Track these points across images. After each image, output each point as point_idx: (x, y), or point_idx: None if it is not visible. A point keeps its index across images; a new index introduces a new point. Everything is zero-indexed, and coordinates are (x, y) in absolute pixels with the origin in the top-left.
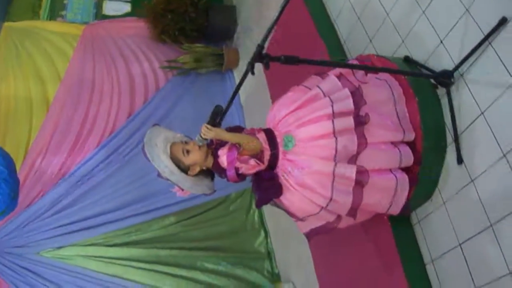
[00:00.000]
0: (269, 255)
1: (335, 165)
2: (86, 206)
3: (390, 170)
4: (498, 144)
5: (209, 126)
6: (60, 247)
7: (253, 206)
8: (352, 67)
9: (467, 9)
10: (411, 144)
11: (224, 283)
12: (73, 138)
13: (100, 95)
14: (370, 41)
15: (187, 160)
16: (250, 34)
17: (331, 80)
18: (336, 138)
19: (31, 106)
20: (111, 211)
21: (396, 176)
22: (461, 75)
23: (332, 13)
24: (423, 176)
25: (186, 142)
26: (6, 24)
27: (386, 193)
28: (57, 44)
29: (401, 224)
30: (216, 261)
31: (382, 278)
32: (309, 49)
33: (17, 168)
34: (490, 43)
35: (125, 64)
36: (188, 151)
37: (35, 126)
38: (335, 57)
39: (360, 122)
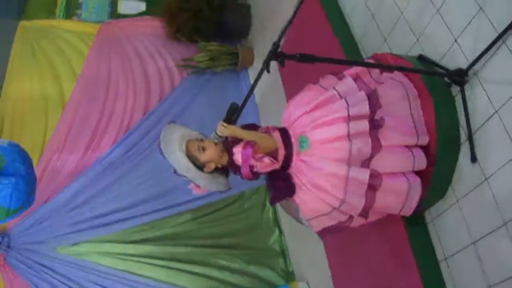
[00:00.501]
0: (283, 253)
1: (349, 168)
2: (101, 203)
3: (403, 173)
4: None
5: (225, 124)
6: (75, 244)
7: (268, 204)
8: (367, 65)
9: (481, 8)
10: (425, 147)
11: (238, 280)
12: (89, 135)
13: (115, 94)
14: (385, 40)
15: (203, 157)
16: (265, 33)
17: (347, 82)
18: (351, 141)
19: (46, 104)
20: (127, 208)
21: (409, 180)
22: (475, 73)
23: (346, 12)
24: (436, 177)
25: (201, 140)
26: (22, 23)
27: (399, 196)
28: (73, 43)
29: (414, 223)
30: (230, 258)
31: (396, 276)
32: (323, 48)
33: (34, 165)
34: (504, 42)
35: (140, 63)
36: (203, 148)
37: (51, 124)
38: (349, 56)
39: (375, 125)
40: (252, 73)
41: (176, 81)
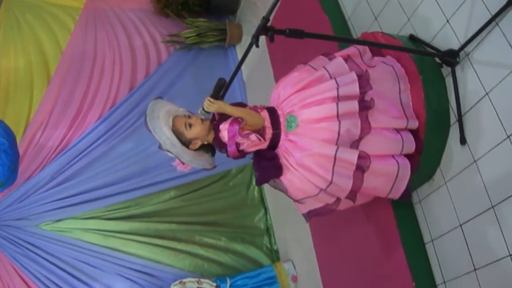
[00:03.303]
0: (268, 231)
1: (337, 148)
2: (85, 179)
3: (392, 155)
4: (503, 126)
5: (211, 99)
6: (59, 220)
7: (254, 182)
8: (357, 42)
9: None
10: (414, 132)
11: (222, 258)
12: (74, 111)
13: (101, 69)
14: (375, 18)
15: (189, 133)
16: (254, 10)
17: (338, 62)
18: (340, 122)
19: (31, 79)
20: (111, 184)
21: (397, 162)
22: (467, 55)
23: None
24: (425, 159)
25: (188, 116)
26: None
27: (387, 178)
28: (59, 17)
29: (401, 203)
30: (215, 236)
31: (381, 256)
32: (312, 25)
33: (18, 141)
34: (497, 24)
35: (127, 38)
36: (190, 125)
37: (36, 99)
38: (339, 33)
39: (365, 106)
40: (240, 50)
41: (162, 57)
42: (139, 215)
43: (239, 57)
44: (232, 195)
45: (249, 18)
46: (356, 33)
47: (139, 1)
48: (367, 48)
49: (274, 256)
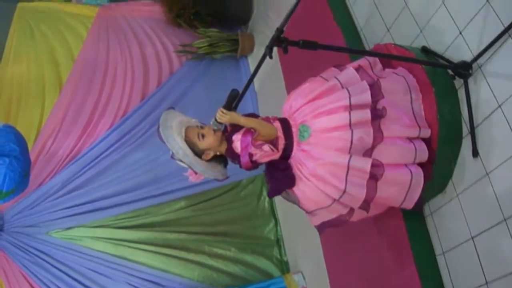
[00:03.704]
0: (278, 242)
1: (350, 157)
2: (96, 188)
3: (405, 164)
4: None
5: (224, 110)
6: (69, 228)
7: (264, 193)
8: (370, 54)
9: (487, 0)
10: (426, 141)
11: (232, 269)
12: (85, 119)
13: (113, 78)
14: (388, 30)
15: (202, 144)
16: (266, 20)
17: (349, 72)
18: (352, 130)
19: (43, 87)
20: (121, 193)
21: (411, 171)
22: (480, 67)
23: (349, 0)
24: (438, 170)
25: (201, 127)
26: (20, 4)
27: (401, 187)
28: (72, 25)
29: (413, 215)
30: (224, 246)
31: (392, 268)
32: (325, 37)
33: (29, 148)
34: (510, 36)
35: (139, 47)
36: (203, 135)
37: (48, 107)
38: (352, 45)
39: (377, 115)
40: (252, 61)
41: (174, 66)
42: (149, 224)
43: (251, 67)
44: (242, 206)
45: (262, 28)
46: (368, 44)
47: (151, 10)
48: (377, 60)
49: (284, 267)
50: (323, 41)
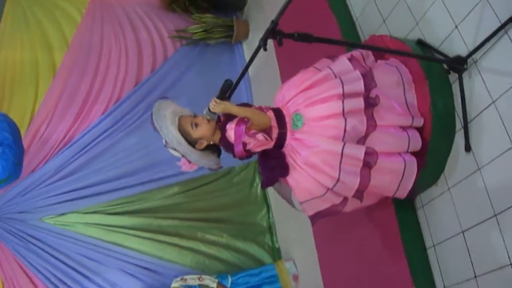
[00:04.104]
0: (270, 229)
1: (344, 145)
2: (89, 173)
3: (399, 153)
4: (508, 135)
5: (218, 100)
6: (62, 214)
7: (257, 179)
8: (366, 47)
9: None
10: (420, 132)
11: (224, 255)
12: (79, 105)
13: (107, 62)
14: (384, 21)
15: (195, 133)
16: (261, 6)
17: (342, 61)
18: (346, 119)
19: (37, 72)
20: (114, 179)
21: (404, 159)
22: (475, 62)
23: None
24: (431, 160)
25: (194, 116)
26: None
27: (394, 175)
28: (66, 9)
29: (404, 207)
30: (217, 232)
31: (383, 259)
32: (320, 26)
33: (22, 134)
34: (506, 32)
35: (134, 32)
36: (196, 124)
37: (41, 92)
38: (346, 35)
39: (370, 103)
40: (246, 46)
41: (169, 52)
42: (142, 210)
43: (246, 53)
44: (235, 192)
45: (257, 15)
46: (364, 35)
47: None
48: (370, 52)
49: (276, 254)
50: (318, 30)
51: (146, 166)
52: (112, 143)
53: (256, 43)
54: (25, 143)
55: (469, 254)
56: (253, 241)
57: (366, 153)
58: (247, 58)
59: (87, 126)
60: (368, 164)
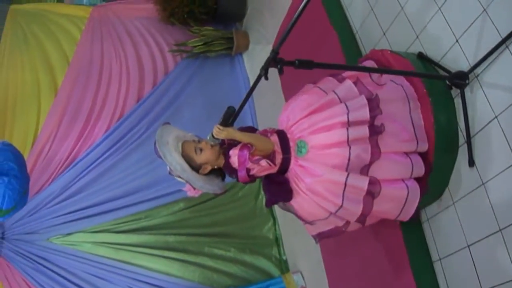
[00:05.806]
0: (277, 241)
1: (348, 175)
2: (95, 192)
3: (402, 179)
4: (511, 149)
5: (221, 127)
6: (69, 234)
7: (262, 192)
8: (367, 70)
9: (484, 9)
10: (423, 153)
11: (232, 269)
12: (82, 123)
13: (108, 79)
14: (384, 34)
15: (199, 158)
16: (260, 18)
17: (348, 85)
18: (350, 147)
19: (39, 91)
20: (120, 197)
21: (407, 185)
22: (476, 76)
23: (345, 3)
24: (434, 181)
25: (198, 141)
26: (13, 6)
27: (397, 202)
28: (65, 27)
29: (410, 221)
30: (224, 247)
31: (389, 274)
32: (321, 40)
33: (26, 155)
34: (507, 46)
35: (134, 47)
36: (200, 150)
37: (44, 112)
38: (347, 49)
39: (375, 131)
40: (247, 58)
41: (169, 66)
42: (148, 227)
43: (246, 65)
44: (240, 206)
45: (256, 26)
46: (364, 47)
47: (145, 9)
48: (374, 64)
49: (283, 267)
50: (319, 44)
51: (151, 182)
52: (116, 161)
53: (257, 54)
54: (29, 164)
55: (475, 268)
56: (260, 254)
57: (369, 183)
58: (248, 70)
59: (90, 144)
60: (371, 193)
